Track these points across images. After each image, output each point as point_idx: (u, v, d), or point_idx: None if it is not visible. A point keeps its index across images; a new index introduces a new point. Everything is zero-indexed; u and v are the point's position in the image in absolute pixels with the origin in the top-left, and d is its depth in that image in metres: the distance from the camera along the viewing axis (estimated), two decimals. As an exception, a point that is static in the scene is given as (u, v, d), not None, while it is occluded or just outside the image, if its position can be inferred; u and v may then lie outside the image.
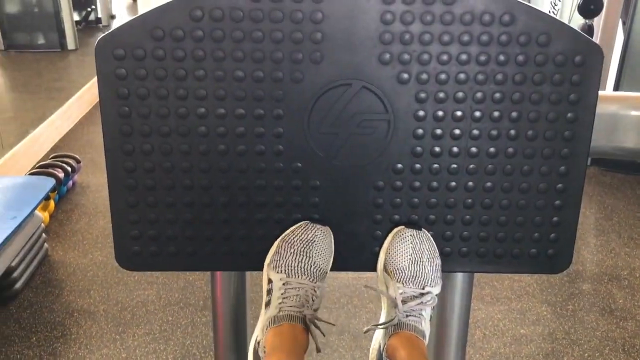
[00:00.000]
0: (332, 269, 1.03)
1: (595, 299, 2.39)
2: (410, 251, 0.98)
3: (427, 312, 0.97)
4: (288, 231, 1.01)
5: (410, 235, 0.99)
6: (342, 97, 0.95)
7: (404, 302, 0.96)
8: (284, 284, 0.97)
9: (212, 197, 1.00)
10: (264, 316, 0.98)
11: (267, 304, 0.98)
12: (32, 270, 2.46)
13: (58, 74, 5.70)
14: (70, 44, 6.41)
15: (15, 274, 2.31)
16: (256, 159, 0.98)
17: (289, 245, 0.99)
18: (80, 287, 2.43)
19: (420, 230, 1.00)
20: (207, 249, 1.03)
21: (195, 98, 0.94)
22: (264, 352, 0.93)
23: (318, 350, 0.95)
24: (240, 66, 0.93)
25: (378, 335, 1.02)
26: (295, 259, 0.98)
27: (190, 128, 0.96)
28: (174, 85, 0.94)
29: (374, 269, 1.05)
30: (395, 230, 1.02)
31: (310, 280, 0.97)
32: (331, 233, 1.02)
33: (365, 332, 1.00)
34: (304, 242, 0.99)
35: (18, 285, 2.34)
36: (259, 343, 0.97)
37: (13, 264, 2.27)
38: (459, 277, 1.10)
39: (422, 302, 0.96)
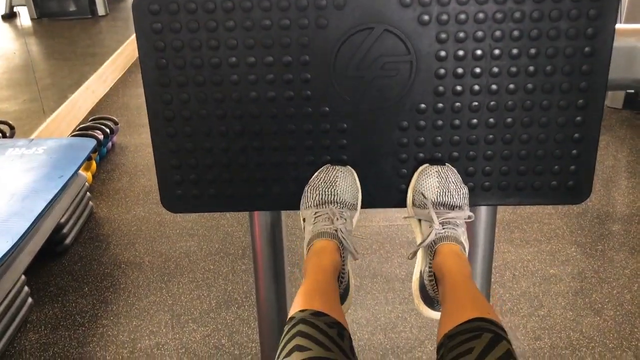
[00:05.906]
0: (362, 207, 1.10)
1: (625, 239, 2.42)
2: (436, 184, 1.04)
3: (461, 223, 1.00)
4: (313, 177, 1.08)
5: (436, 171, 1.05)
6: (366, 41, 1.00)
7: (438, 215, 0.99)
8: (315, 214, 1.03)
9: (246, 142, 1.07)
10: (304, 249, 1.03)
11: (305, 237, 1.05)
12: (80, 226, 2.60)
13: (91, 40, 5.81)
14: (101, 10, 6.52)
15: (65, 230, 2.45)
16: (286, 104, 1.04)
17: (314, 189, 1.06)
18: (126, 241, 2.56)
19: (444, 165, 1.06)
20: (244, 191, 1.10)
21: (226, 48, 1.00)
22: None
23: (355, 258, 1.00)
24: (267, 15, 0.98)
25: (419, 260, 1.06)
26: (322, 197, 1.05)
27: (223, 77, 1.02)
28: (206, 36, 1.00)
29: (401, 205, 1.12)
30: (421, 168, 1.07)
31: (338, 207, 1.03)
32: (353, 171, 1.08)
33: (410, 258, 1.03)
34: (327, 184, 1.05)
35: (68, 240, 2.48)
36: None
37: (62, 220, 2.41)
38: (483, 211, 1.15)
39: (455, 215, 0.99)
